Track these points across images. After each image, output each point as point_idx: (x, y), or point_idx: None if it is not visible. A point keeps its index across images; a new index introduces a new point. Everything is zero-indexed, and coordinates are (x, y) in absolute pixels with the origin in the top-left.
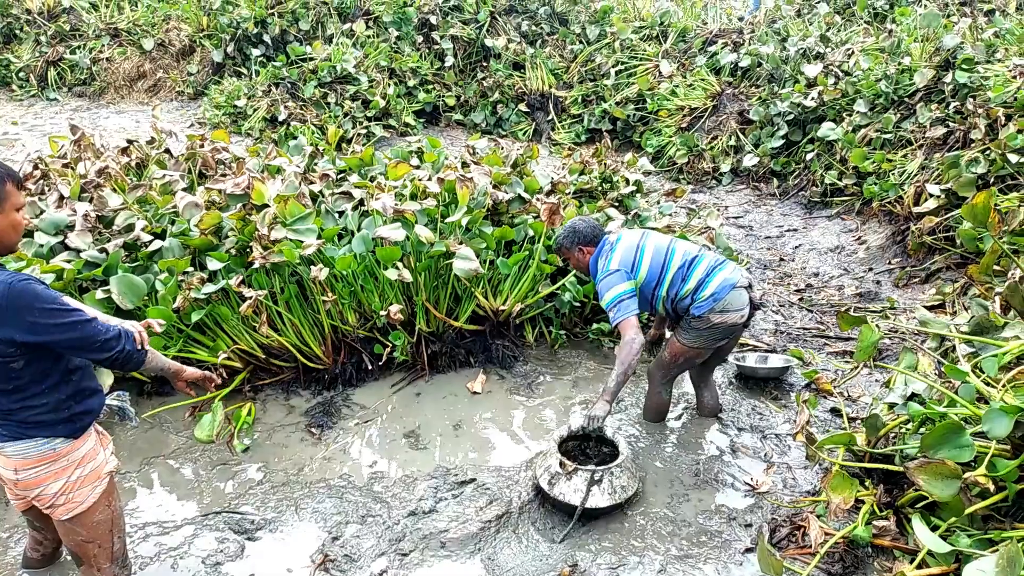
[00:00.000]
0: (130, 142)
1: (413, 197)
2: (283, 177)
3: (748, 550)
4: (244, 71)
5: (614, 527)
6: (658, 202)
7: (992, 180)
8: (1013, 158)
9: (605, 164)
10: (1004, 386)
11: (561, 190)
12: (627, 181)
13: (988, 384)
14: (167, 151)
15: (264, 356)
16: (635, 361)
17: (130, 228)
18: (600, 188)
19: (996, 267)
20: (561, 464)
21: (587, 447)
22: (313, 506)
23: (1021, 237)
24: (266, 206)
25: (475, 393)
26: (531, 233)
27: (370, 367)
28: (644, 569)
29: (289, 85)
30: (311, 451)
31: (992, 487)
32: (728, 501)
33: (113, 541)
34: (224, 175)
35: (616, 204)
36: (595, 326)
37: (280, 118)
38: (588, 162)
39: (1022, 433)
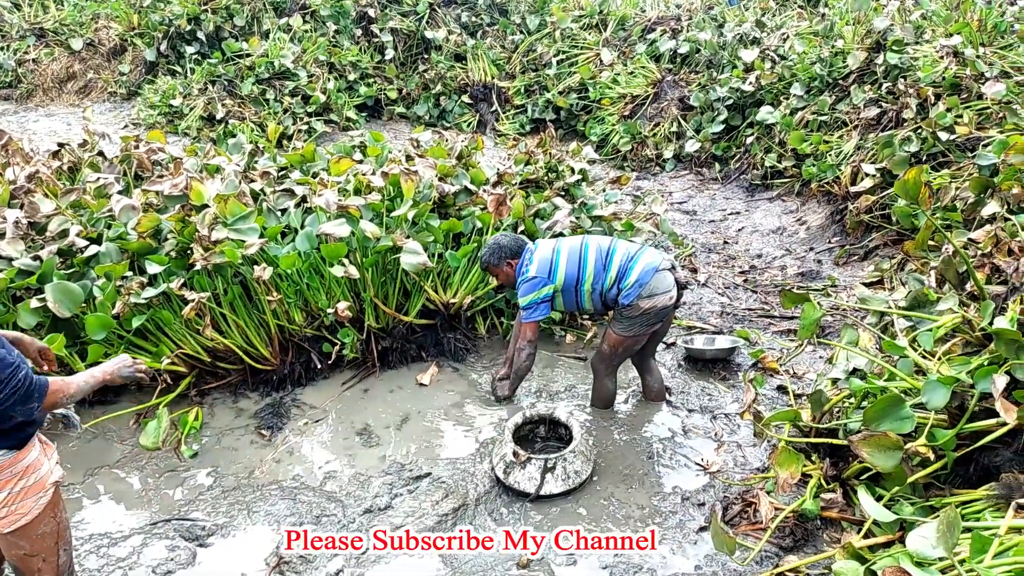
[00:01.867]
0: (61, 145)
1: (357, 192)
2: (222, 176)
3: (702, 529)
4: (179, 69)
5: (570, 512)
6: (603, 190)
7: (924, 158)
8: (943, 136)
9: (550, 154)
10: (940, 358)
11: (507, 181)
12: (572, 170)
13: (925, 357)
14: (100, 153)
15: (210, 359)
16: (524, 367)
17: (64, 234)
18: (546, 178)
19: (931, 242)
20: (515, 454)
21: (542, 431)
22: (266, 509)
23: (953, 212)
24: (206, 206)
25: (422, 385)
26: (479, 225)
27: (319, 366)
28: (601, 552)
29: (226, 82)
30: (262, 453)
31: (932, 456)
32: (681, 481)
33: (59, 554)
34: (161, 176)
35: (562, 193)
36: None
37: (218, 116)
38: (533, 152)
39: (958, 403)
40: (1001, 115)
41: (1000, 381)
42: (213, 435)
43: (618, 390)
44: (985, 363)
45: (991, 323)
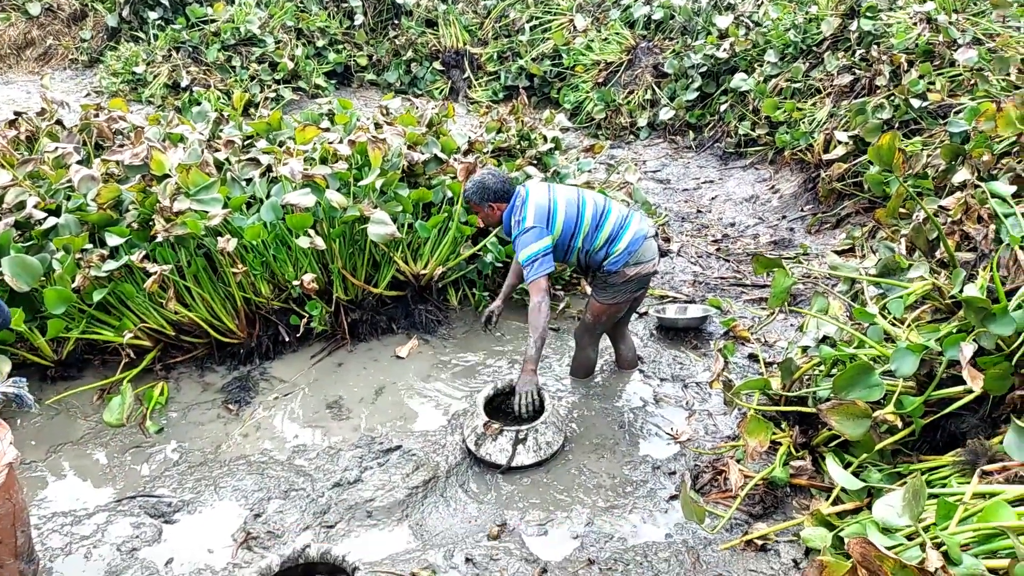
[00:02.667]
0: (18, 114)
1: (324, 161)
2: (185, 145)
3: (672, 497)
4: (142, 36)
5: (541, 483)
6: (577, 159)
7: (896, 125)
8: (916, 103)
9: (523, 121)
10: (910, 325)
11: (479, 149)
12: (545, 138)
13: (895, 324)
14: (59, 122)
15: (174, 333)
16: (546, 324)
17: (21, 206)
18: (518, 146)
19: (902, 210)
20: (486, 426)
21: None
22: (233, 484)
23: (924, 180)
24: (167, 176)
25: (398, 358)
26: (449, 194)
27: (288, 339)
28: (572, 523)
29: (191, 49)
30: (229, 428)
31: (900, 424)
32: (652, 451)
33: (16, 536)
34: (122, 146)
35: (535, 162)
36: (519, 285)
37: (183, 84)
38: (505, 120)
39: (927, 370)
40: (973, 82)
41: (967, 349)
42: (179, 410)
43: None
44: (954, 331)
45: (961, 291)
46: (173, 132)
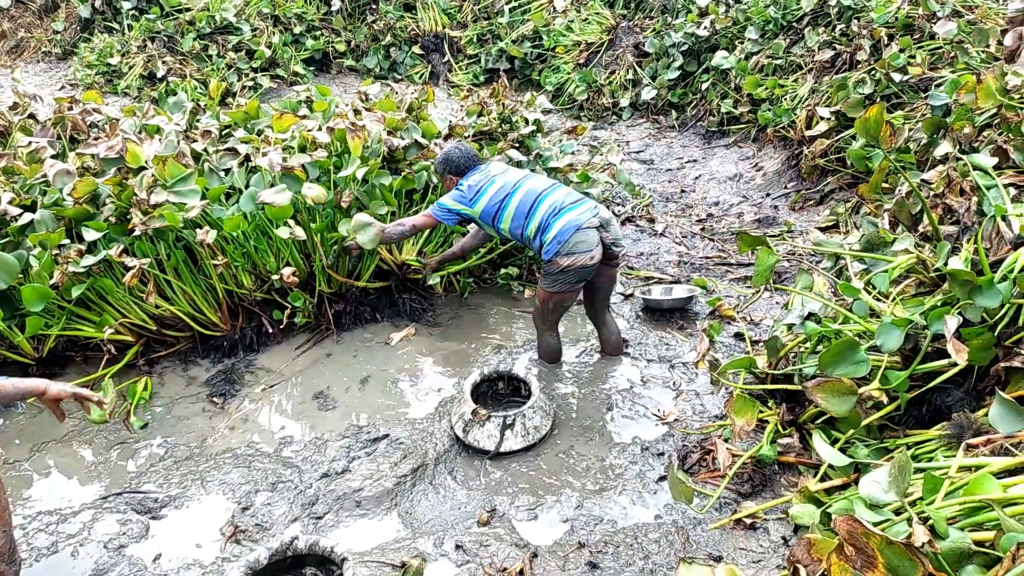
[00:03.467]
0: None
1: (302, 149)
2: (162, 137)
3: (661, 479)
4: (116, 26)
5: (530, 468)
6: (559, 141)
7: (878, 100)
8: (896, 77)
9: (504, 104)
10: (894, 300)
11: (459, 133)
12: (527, 121)
13: (879, 299)
14: (32, 116)
15: (156, 327)
16: (395, 235)
17: None
18: (500, 129)
19: (884, 185)
20: (474, 412)
21: (501, 388)
22: (220, 478)
23: (906, 154)
24: (144, 168)
25: (387, 345)
26: (434, 181)
27: (271, 331)
28: (562, 506)
29: (166, 39)
30: (215, 421)
31: (885, 399)
32: (640, 432)
33: None
34: (97, 139)
35: (517, 145)
36: (503, 271)
37: (158, 74)
38: (486, 103)
39: (912, 344)
40: (953, 55)
41: (952, 322)
42: (164, 405)
43: (577, 342)
44: (938, 304)
45: (946, 263)
46: (149, 124)
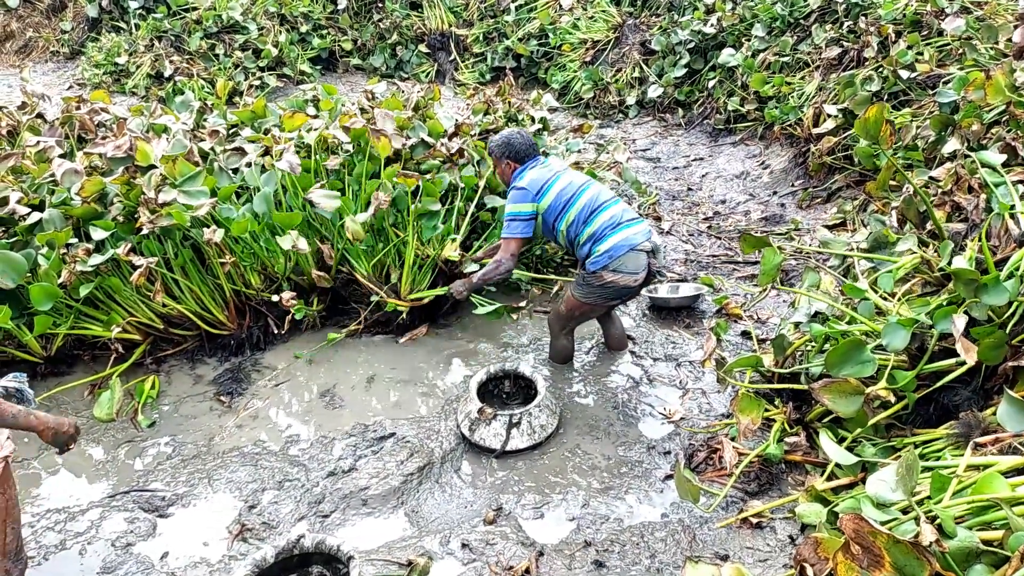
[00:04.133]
0: None
1: (327, 150)
2: (169, 136)
3: (668, 477)
4: (123, 25)
5: (536, 466)
6: (566, 139)
7: (885, 97)
8: (904, 74)
9: (510, 103)
10: (900, 299)
11: (466, 132)
12: (533, 119)
13: (885, 299)
14: (40, 116)
15: (164, 326)
16: (493, 278)
17: (4, 201)
18: (506, 128)
19: (892, 182)
20: (480, 411)
21: (507, 387)
22: (227, 476)
23: (914, 151)
24: (152, 167)
25: (396, 342)
26: (460, 184)
27: (278, 331)
28: (568, 505)
29: (173, 38)
30: (222, 420)
31: (892, 398)
32: (646, 431)
33: (5, 533)
34: (105, 138)
35: None
36: (516, 274)
37: (166, 74)
38: (492, 101)
39: (918, 344)
40: (961, 51)
41: (959, 321)
42: (171, 403)
43: (583, 340)
44: (944, 303)
45: (950, 263)
46: (156, 123)
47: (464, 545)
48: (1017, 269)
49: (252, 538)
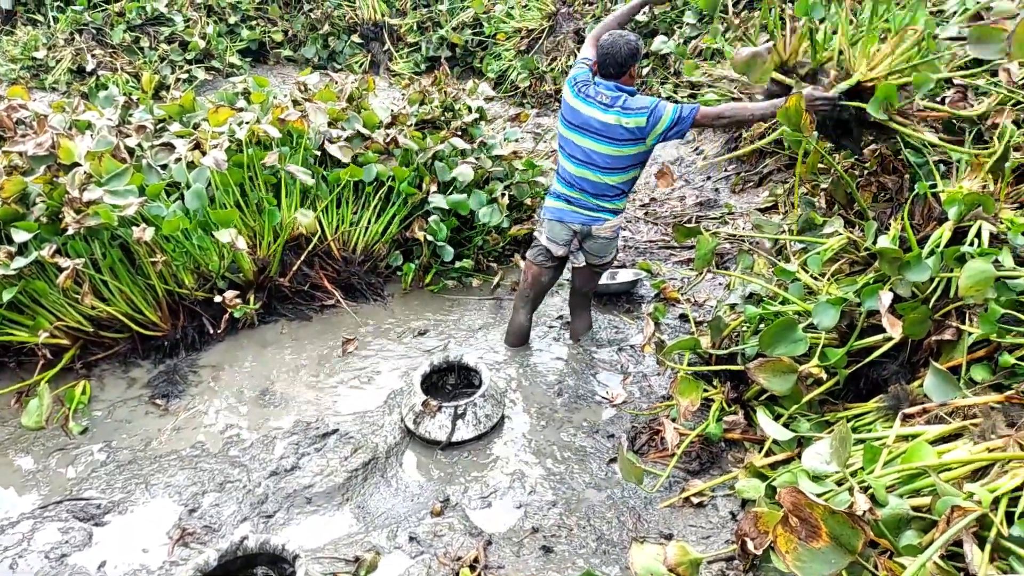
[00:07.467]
0: None
1: (251, 144)
2: (93, 132)
3: (612, 460)
4: (40, 18)
5: (483, 456)
6: (503, 128)
7: None
8: None
9: (446, 92)
10: (829, 279)
11: (402, 122)
12: (469, 109)
13: (815, 279)
14: None
15: (93, 329)
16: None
17: None
18: (442, 117)
19: (821, 165)
20: (424, 403)
21: (452, 379)
22: (165, 480)
23: None
24: (76, 165)
25: (333, 339)
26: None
27: (214, 330)
28: (515, 492)
29: (94, 31)
30: (158, 423)
31: (824, 375)
32: (590, 416)
33: None
34: (24, 136)
35: (460, 133)
36: (459, 264)
37: (88, 68)
38: (428, 91)
39: (848, 321)
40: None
41: (886, 298)
42: (104, 408)
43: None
44: (871, 281)
45: (874, 242)
46: (79, 119)
47: (412, 538)
48: (938, 246)
49: (193, 542)
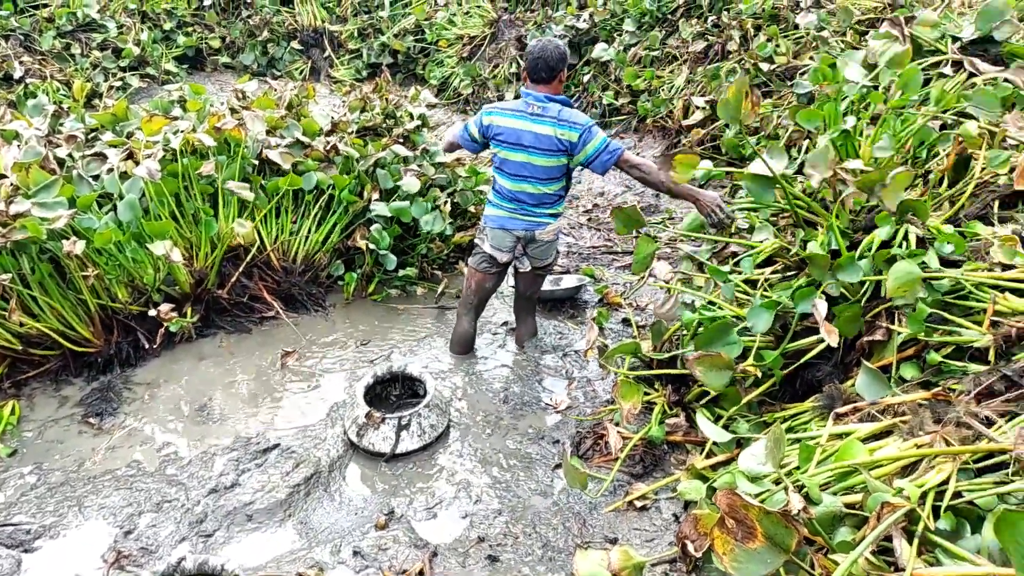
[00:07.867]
0: None
1: (187, 153)
2: (21, 142)
3: (557, 466)
4: None
5: (428, 467)
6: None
7: None
8: (764, 66)
9: (387, 99)
10: (762, 283)
11: (343, 129)
12: (412, 116)
13: (749, 282)
14: None
15: (22, 347)
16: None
17: None
18: (384, 124)
19: None
20: (368, 415)
21: (396, 390)
22: (99, 502)
23: (775, 140)
24: (3, 177)
25: (272, 353)
26: (316, 178)
27: (149, 345)
28: (460, 502)
29: (22, 37)
30: (92, 443)
31: (761, 375)
32: (536, 422)
33: None
34: None
35: (402, 140)
36: (402, 272)
37: (15, 76)
38: (369, 98)
39: (782, 323)
40: (815, 44)
41: (822, 306)
42: (34, 429)
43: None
44: (803, 285)
45: (804, 247)
46: (6, 129)
47: (356, 552)
48: (869, 250)
49: (129, 565)
